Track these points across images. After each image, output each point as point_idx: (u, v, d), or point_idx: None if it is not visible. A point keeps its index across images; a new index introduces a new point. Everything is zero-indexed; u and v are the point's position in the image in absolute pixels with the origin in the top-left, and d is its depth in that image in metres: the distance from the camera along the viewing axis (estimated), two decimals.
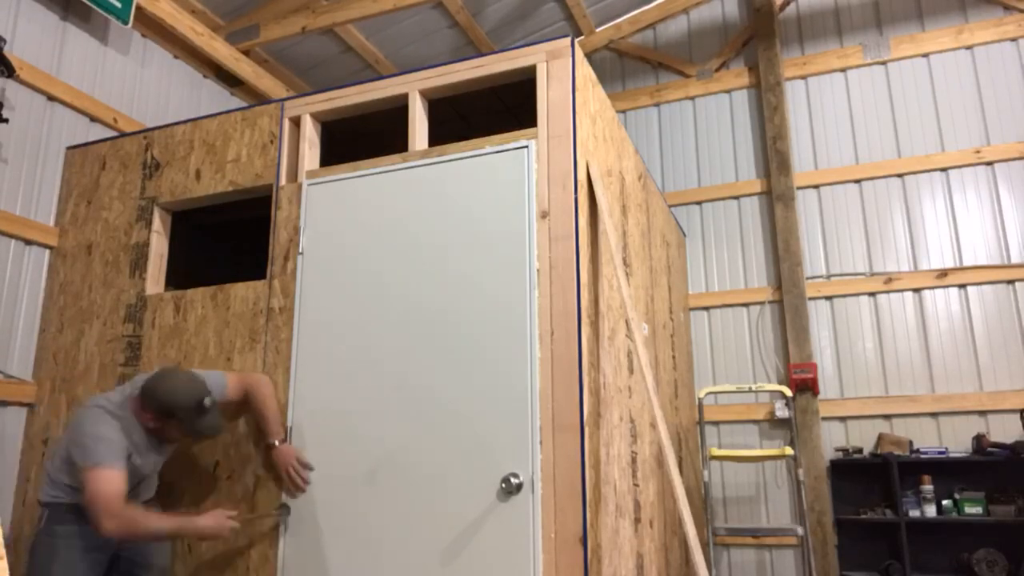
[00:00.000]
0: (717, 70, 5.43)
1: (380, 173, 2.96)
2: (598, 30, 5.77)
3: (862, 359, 4.65)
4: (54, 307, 3.51)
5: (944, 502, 4.21)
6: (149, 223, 3.42)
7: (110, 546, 2.60)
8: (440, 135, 3.12)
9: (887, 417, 4.52)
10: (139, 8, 3.99)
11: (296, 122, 3.23)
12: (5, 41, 3.32)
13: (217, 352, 3.07)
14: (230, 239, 4.36)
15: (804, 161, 5.05)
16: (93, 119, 3.88)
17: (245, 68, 4.83)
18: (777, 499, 4.66)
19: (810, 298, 4.80)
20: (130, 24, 3.93)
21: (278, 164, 3.19)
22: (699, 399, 4.60)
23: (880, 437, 4.43)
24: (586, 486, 2.40)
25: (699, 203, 5.27)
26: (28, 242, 3.52)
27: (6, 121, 3.37)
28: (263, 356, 2.98)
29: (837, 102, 5.07)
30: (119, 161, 3.59)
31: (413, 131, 2.98)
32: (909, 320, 4.59)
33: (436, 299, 2.73)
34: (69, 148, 3.74)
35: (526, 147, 2.73)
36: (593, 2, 5.49)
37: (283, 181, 3.16)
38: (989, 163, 4.63)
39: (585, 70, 2.95)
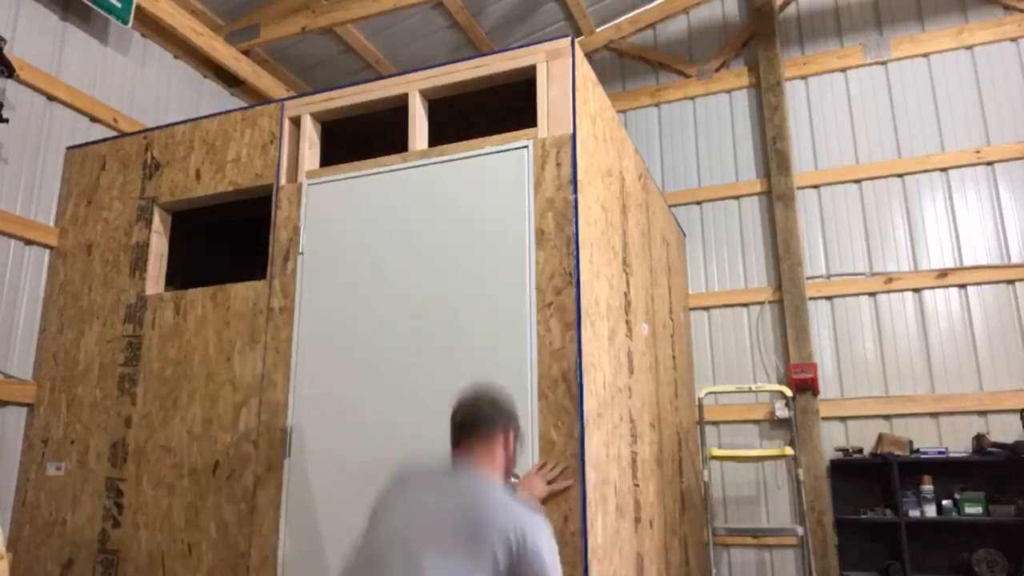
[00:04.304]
0: (717, 70, 5.43)
1: (380, 173, 2.96)
2: (598, 30, 5.77)
3: (862, 359, 4.64)
4: (54, 307, 3.51)
5: (944, 502, 4.21)
6: (149, 223, 3.43)
7: None
8: (440, 135, 3.12)
9: (887, 417, 4.51)
10: (139, 8, 3.99)
11: (296, 122, 3.23)
12: (5, 41, 3.32)
13: (217, 352, 3.08)
14: (230, 239, 4.35)
15: (804, 161, 5.05)
16: (93, 119, 3.88)
17: (245, 68, 4.83)
18: (777, 499, 4.66)
19: (810, 298, 4.80)
20: (130, 24, 3.93)
21: (278, 164, 3.19)
22: (699, 399, 4.59)
23: (880, 437, 4.43)
24: (586, 486, 2.40)
25: (699, 203, 5.26)
26: (28, 242, 3.52)
27: (6, 121, 3.37)
28: (263, 356, 2.98)
29: (837, 102, 5.07)
30: (119, 161, 3.59)
31: (413, 131, 2.98)
32: (909, 320, 4.59)
33: (436, 299, 2.73)
34: (69, 148, 3.74)
35: (526, 147, 2.73)
36: (593, 2, 5.49)
37: (283, 181, 3.16)
38: (989, 163, 4.63)
39: (585, 70, 2.95)
